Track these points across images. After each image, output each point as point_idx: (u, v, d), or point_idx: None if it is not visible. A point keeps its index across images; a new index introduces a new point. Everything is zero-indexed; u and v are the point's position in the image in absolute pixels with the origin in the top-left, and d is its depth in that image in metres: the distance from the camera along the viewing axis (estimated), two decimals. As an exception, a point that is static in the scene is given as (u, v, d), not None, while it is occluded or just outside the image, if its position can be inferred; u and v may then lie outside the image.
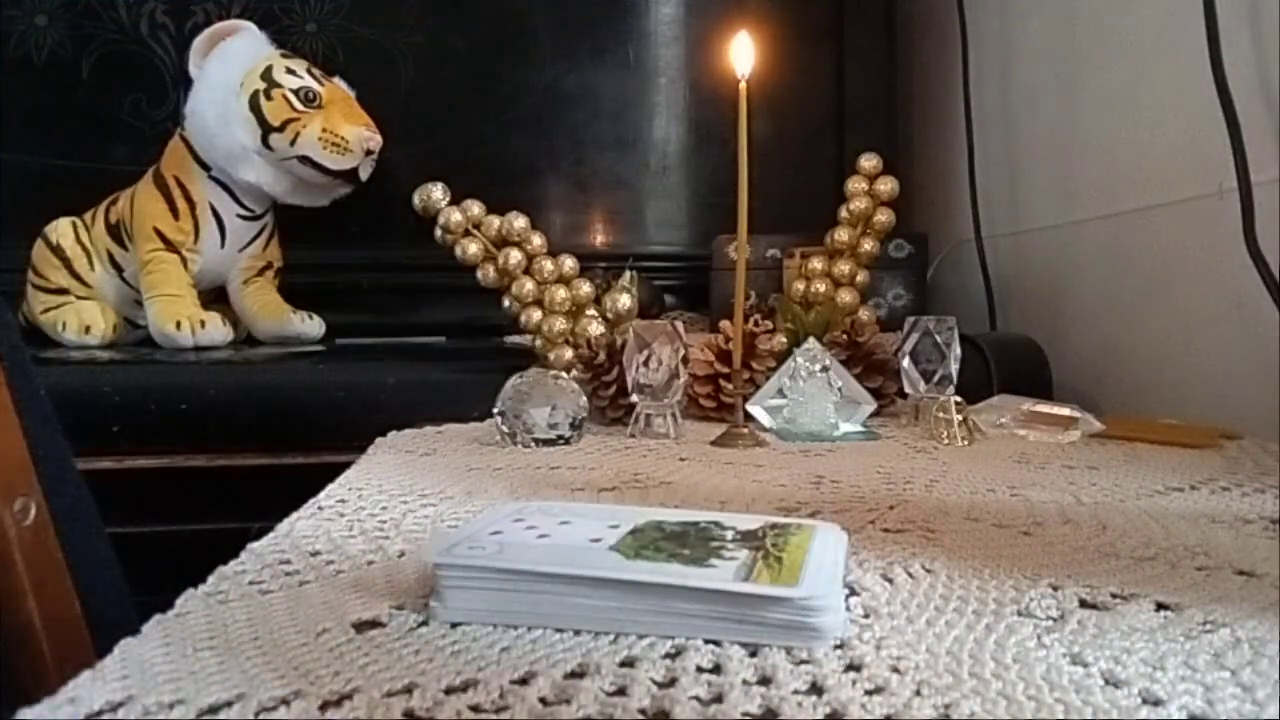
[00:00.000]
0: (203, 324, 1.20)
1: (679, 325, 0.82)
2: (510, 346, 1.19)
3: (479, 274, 0.99)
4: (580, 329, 0.97)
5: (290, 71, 1.25)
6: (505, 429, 0.75)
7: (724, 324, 0.88)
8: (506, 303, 1.00)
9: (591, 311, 0.99)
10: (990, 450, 0.73)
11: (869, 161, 1.04)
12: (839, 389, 0.82)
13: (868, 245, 1.04)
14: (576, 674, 0.29)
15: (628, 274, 1.03)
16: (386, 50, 1.49)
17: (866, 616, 0.34)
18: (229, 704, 0.26)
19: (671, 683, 0.28)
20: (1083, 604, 0.35)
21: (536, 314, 0.98)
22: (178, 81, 1.40)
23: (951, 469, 0.65)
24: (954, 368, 0.82)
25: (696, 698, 0.27)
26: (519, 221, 0.98)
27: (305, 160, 1.23)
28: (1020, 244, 1.32)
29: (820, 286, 1.03)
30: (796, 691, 0.28)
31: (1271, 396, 0.82)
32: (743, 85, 0.75)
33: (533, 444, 0.75)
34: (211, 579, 0.38)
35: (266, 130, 1.22)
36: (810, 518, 0.48)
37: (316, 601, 0.35)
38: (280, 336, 1.33)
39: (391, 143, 1.31)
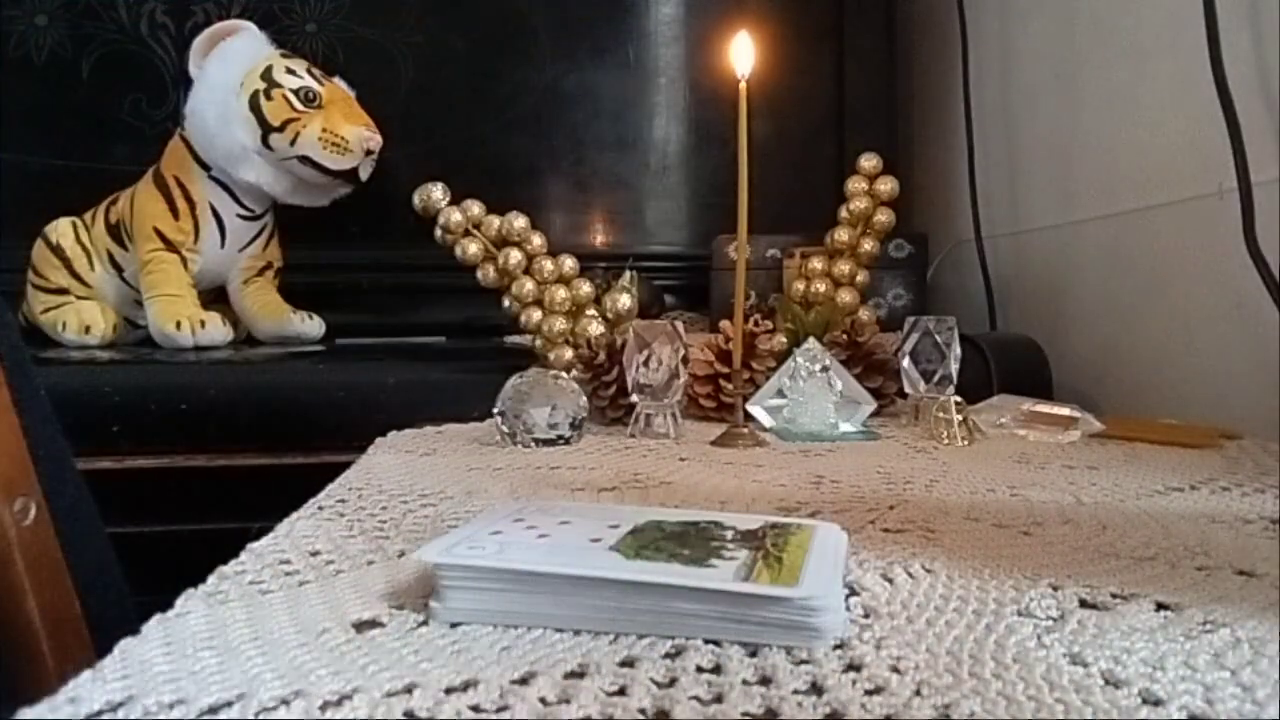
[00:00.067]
0: (203, 324, 1.20)
1: (679, 325, 0.82)
2: (510, 346, 1.19)
3: (479, 274, 0.99)
4: (580, 329, 0.97)
5: (290, 71, 1.25)
6: (505, 429, 0.76)
7: (724, 324, 0.88)
8: (506, 303, 1.00)
9: (591, 311, 0.99)
10: (990, 450, 0.73)
11: (869, 161, 1.04)
12: (839, 389, 0.82)
13: (868, 245, 1.04)
14: (576, 674, 0.29)
15: (628, 274, 1.03)
16: (386, 50, 1.49)
17: (866, 616, 0.34)
18: (229, 704, 0.26)
19: (671, 683, 0.28)
20: (1083, 604, 0.35)
21: (536, 314, 0.98)
22: (178, 81, 1.40)
23: (951, 469, 0.65)
24: (954, 368, 0.82)
25: (696, 698, 0.27)
26: (519, 221, 0.98)
27: (305, 160, 1.23)
28: (1020, 244, 1.32)
29: (820, 286, 1.03)
30: (796, 691, 0.28)
31: (1271, 396, 0.82)
32: (743, 85, 0.75)
33: (533, 444, 0.75)
34: (211, 579, 0.38)
35: (266, 130, 1.22)
36: (810, 518, 0.48)
37: (316, 601, 0.35)
38: (280, 336, 1.33)
39: (391, 143, 1.31)
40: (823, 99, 1.59)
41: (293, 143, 1.22)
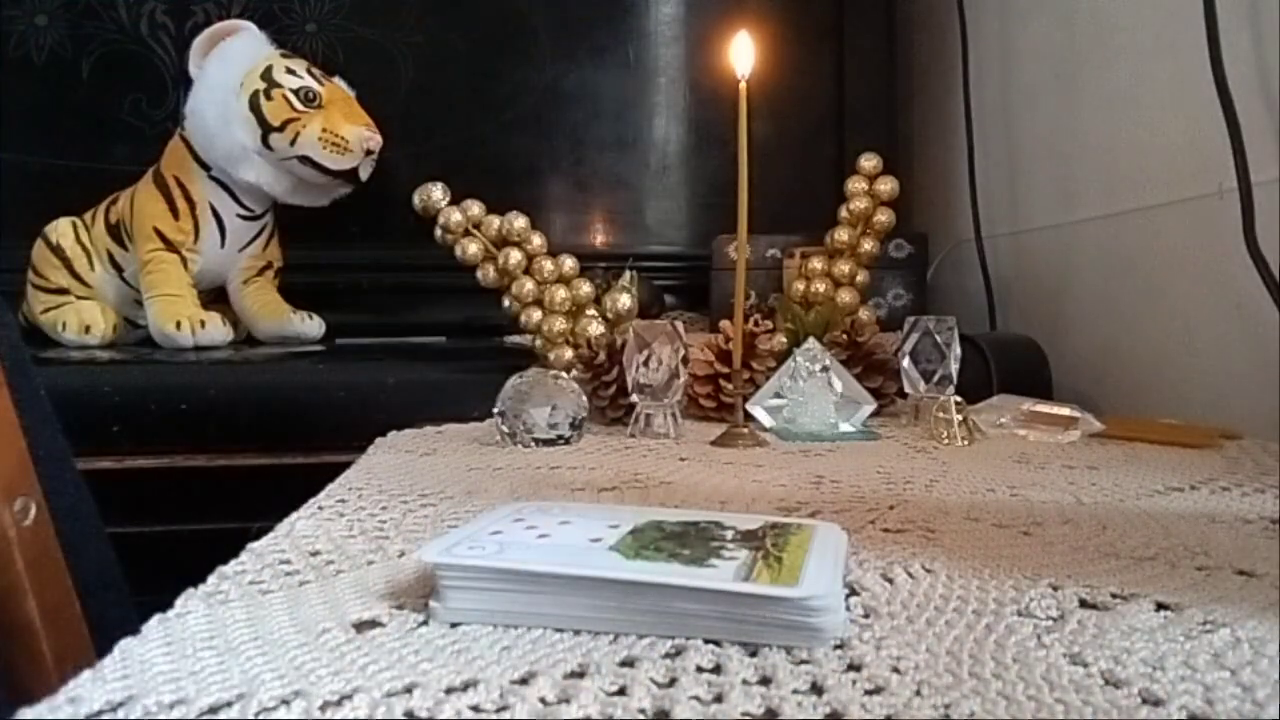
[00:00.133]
0: (203, 324, 1.20)
1: (679, 325, 0.82)
2: (510, 346, 1.19)
3: (479, 274, 0.99)
4: (580, 329, 0.97)
5: (290, 71, 1.25)
6: (505, 429, 0.76)
7: (724, 324, 0.88)
8: (506, 303, 1.00)
9: (591, 311, 0.99)
10: (990, 450, 0.73)
11: (869, 161, 1.04)
12: (839, 389, 0.82)
13: (868, 245, 1.04)
14: (576, 674, 0.29)
15: (628, 274, 1.03)
16: (386, 50, 1.49)
17: (866, 616, 0.34)
18: (229, 704, 0.26)
19: (671, 683, 0.28)
20: (1083, 604, 0.35)
21: (536, 314, 0.98)
22: (178, 81, 1.40)
23: (951, 469, 0.65)
24: (954, 368, 0.82)
25: (696, 698, 0.27)
26: (519, 221, 0.98)
27: (305, 160, 1.23)
28: (1020, 244, 1.32)
29: (820, 286, 1.03)
30: (796, 691, 0.28)
31: (1271, 396, 0.82)
32: (743, 85, 0.75)
33: (533, 444, 0.75)
34: (211, 579, 0.38)
35: (266, 130, 1.22)
36: (810, 518, 0.48)
37: (316, 601, 0.35)
38: (280, 336, 1.33)
39: (391, 143, 1.31)
40: (823, 99, 1.59)
41: (293, 143, 1.22)
